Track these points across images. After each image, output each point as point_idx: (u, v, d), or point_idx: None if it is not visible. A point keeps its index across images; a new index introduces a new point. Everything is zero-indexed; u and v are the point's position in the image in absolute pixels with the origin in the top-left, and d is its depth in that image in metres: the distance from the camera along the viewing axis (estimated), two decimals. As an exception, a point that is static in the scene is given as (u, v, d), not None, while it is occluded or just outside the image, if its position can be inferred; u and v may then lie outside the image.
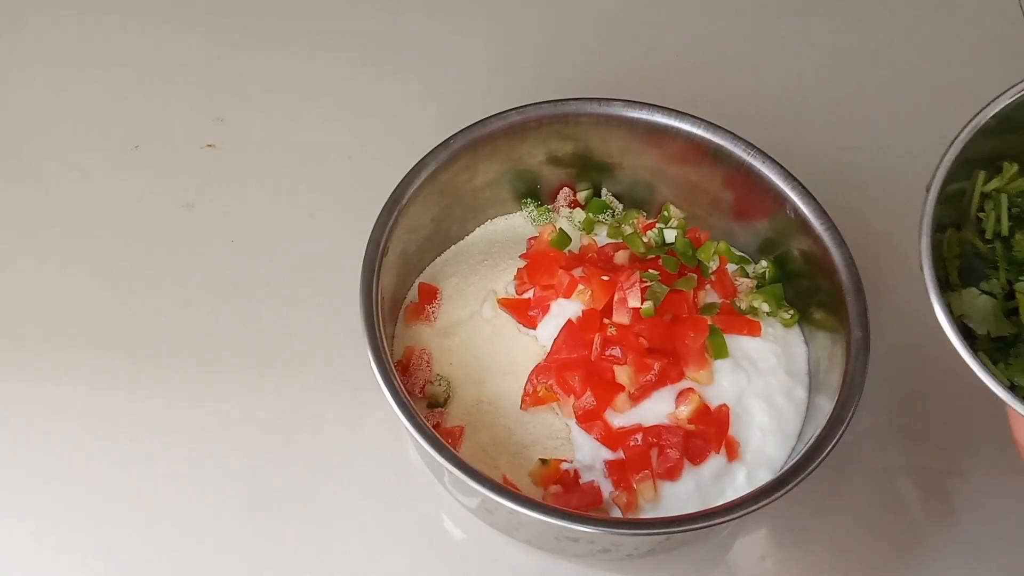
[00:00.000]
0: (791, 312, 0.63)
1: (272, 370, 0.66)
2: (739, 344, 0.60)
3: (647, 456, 0.57)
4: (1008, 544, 0.62)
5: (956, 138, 0.45)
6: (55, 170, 0.74)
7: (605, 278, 0.60)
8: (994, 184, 0.47)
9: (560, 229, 0.64)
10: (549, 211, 0.67)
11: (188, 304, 0.68)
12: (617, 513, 0.57)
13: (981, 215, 0.48)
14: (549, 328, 0.60)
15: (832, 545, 0.63)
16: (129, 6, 0.82)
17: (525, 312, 0.61)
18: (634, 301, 0.59)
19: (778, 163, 0.60)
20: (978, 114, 0.45)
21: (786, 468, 0.55)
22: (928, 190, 0.44)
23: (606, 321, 0.59)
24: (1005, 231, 0.46)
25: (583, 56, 0.81)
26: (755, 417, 0.59)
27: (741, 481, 0.57)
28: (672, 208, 0.66)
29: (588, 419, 0.58)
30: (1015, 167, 0.47)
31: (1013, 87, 0.46)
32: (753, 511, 0.51)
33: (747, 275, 0.64)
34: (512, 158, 0.64)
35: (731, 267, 0.65)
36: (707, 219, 0.66)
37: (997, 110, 0.45)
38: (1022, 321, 0.45)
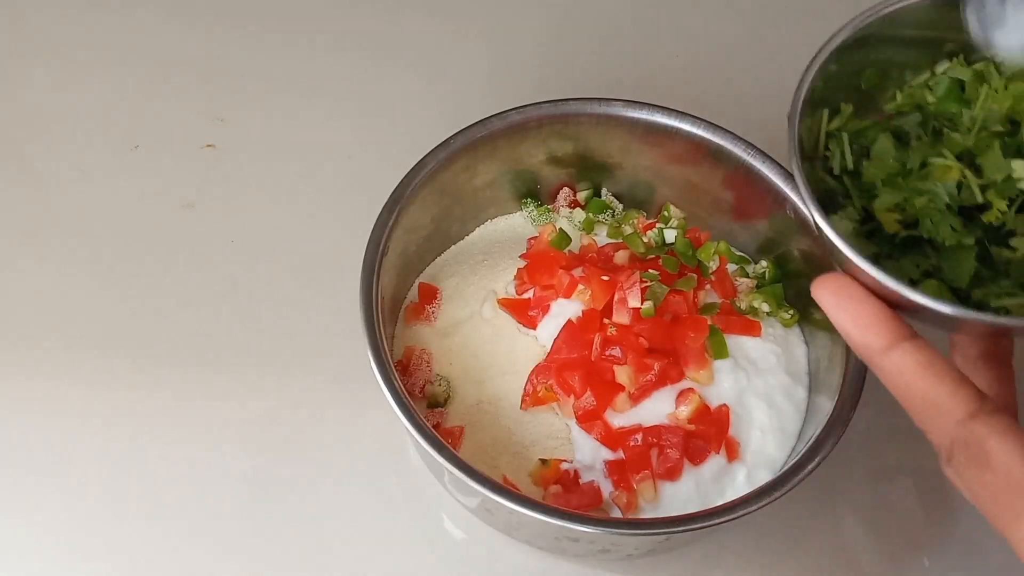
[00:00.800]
0: (791, 312, 0.63)
1: (272, 370, 0.66)
2: (739, 344, 0.60)
3: (647, 456, 0.57)
4: (1008, 544, 0.62)
5: (810, 65, 0.48)
6: (55, 170, 0.74)
7: (605, 278, 0.60)
8: (835, 124, 0.50)
9: (560, 229, 0.64)
10: (549, 211, 0.67)
11: (188, 304, 0.68)
12: (617, 513, 0.57)
13: (827, 153, 0.50)
14: (549, 328, 0.60)
15: (832, 545, 0.63)
16: (129, 6, 0.82)
17: (525, 312, 0.61)
18: (634, 301, 0.59)
19: (778, 163, 0.60)
20: (824, 46, 0.49)
21: (786, 468, 0.55)
22: (790, 119, 0.47)
23: (606, 321, 0.59)
24: (850, 165, 0.49)
25: (583, 56, 0.81)
26: (755, 417, 0.59)
27: (741, 481, 0.57)
28: (672, 208, 0.66)
29: (588, 419, 0.58)
30: (851, 107, 0.50)
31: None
32: (753, 511, 0.51)
33: (747, 275, 0.64)
34: (512, 158, 0.64)
35: (731, 267, 0.65)
36: (707, 219, 0.66)
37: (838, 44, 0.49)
38: (886, 234, 0.47)
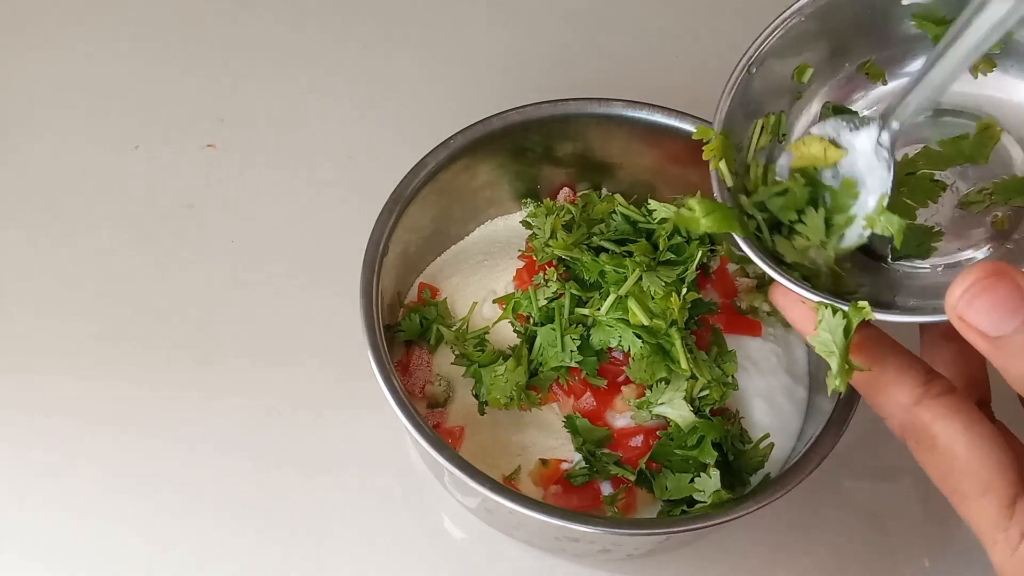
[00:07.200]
0: (791, 312, 0.62)
1: (272, 370, 0.66)
2: (740, 344, 0.60)
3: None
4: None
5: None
6: (55, 170, 0.74)
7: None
8: (762, 141, 0.51)
9: (560, 229, 0.64)
10: (549, 211, 0.67)
11: (188, 304, 0.68)
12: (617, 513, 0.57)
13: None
14: (549, 328, 0.60)
15: (832, 545, 0.63)
16: (129, 5, 0.82)
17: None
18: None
19: (778, 163, 0.60)
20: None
21: (786, 468, 0.55)
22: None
23: (606, 321, 0.59)
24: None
25: (583, 56, 0.81)
26: (755, 417, 0.59)
27: (741, 481, 0.57)
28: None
29: (588, 419, 0.58)
30: (774, 118, 0.52)
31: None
32: (753, 511, 0.51)
33: (747, 275, 0.64)
34: (512, 158, 0.64)
35: (731, 267, 0.65)
36: (707, 219, 0.66)
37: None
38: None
